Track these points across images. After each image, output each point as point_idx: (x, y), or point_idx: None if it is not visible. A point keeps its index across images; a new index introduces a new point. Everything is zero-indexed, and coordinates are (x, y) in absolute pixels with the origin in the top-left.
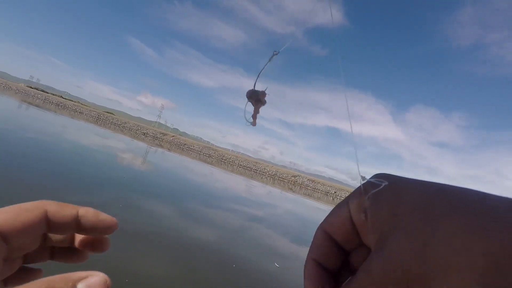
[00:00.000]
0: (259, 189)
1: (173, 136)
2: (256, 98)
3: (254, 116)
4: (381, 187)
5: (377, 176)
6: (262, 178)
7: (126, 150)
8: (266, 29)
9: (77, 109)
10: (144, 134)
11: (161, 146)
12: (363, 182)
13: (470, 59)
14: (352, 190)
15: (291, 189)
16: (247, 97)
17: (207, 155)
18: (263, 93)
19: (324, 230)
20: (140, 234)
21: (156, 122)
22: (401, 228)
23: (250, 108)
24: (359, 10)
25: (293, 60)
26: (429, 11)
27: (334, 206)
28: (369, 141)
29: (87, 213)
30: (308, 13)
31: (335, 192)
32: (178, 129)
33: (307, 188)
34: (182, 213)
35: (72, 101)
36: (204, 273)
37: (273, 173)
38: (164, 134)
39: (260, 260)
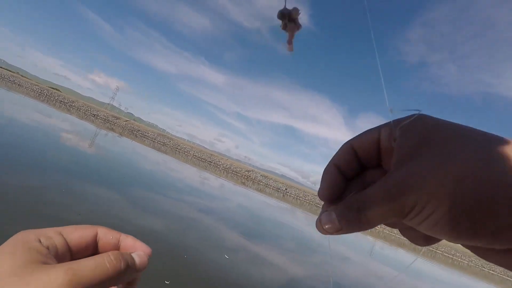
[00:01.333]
0: (212, 181)
1: (126, 120)
2: (290, 17)
3: (290, 41)
4: (411, 119)
5: (409, 116)
6: (216, 170)
7: (72, 131)
8: (233, 21)
9: (15, 81)
10: (94, 115)
11: (112, 130)
12: (392, 115)
13: (415, 75)
14: (302, 188)
15: (243, 183)
16: (278, 18)
17: (161, 143)
18: (296, 10)
19: (351, 145)
20: (81, 222)
21: (108, 104)
22: (420, 154)
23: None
24: (324, 15)
25: (257, 55)
26: (384, 25)
27: (284, 202)
28: (322, 142)
29: (127, 239)
30: (276, 10)
31: (285, 189)
32: (132, 114)
33: (260, 184)
34: (130, 201)
35: (9, 71)
36: (152, 263)
37: (227, 166)
38: (117, 118)
39: (211, 252)
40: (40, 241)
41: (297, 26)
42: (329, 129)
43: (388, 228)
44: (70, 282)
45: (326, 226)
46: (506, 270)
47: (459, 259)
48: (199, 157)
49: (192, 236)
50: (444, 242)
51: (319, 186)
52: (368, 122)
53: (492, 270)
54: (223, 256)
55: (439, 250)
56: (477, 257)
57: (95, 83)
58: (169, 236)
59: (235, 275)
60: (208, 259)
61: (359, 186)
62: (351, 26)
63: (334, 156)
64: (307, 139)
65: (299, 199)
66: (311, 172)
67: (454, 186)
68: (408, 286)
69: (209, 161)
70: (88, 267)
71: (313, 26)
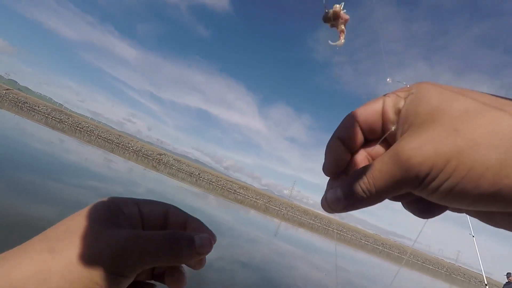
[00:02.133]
0: (121, 165)
1: (7, 89)
2: (334, 16)
3: (341, 34)
4: (414, 84)
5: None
6: (124, 153)
7: None
8: None
9: None
10: None
11: None
12: (390, 83)
13: (321, 72)
14: (215, 173)
15: (155, 167)
16: (324, 22)
17: (57, 119)
18: (338, 8)
19: (354, 116)
20: None
21: None
22: (432, 120)
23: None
24: (245, 3)
25: (174, 33)
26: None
27: (197, 187)
28: (235, 129)
29: (194, 221)
30: None
31: (199, 174)
32: (17, 82)
33: (172, 168)
34: (14, 186)
35: None
36: None
37: (138, 148)
38: None
39: None
40: (119, 207)
41: (344, 19)
42: (243, 116)
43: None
44: (130, 243)
45: (333, 204)
46: (377, 240)
47: (345, 234)
48: (105, 137)
49: None
50: (335, 220)
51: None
52: (280, 111)
53: (367, 242)
54: None
55: (330, 228)
56: (357, 231)
57: None
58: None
59: None
60: None
61: (363, 159)
62: (268, 17)
63: (337, 129)
64: (222, 124)
65: (212, 184)
66: (224, 157)
67: (472, 148)
68: (303, 259)
69: (117, 143)
70: (151, 236)
71: (234, 13)
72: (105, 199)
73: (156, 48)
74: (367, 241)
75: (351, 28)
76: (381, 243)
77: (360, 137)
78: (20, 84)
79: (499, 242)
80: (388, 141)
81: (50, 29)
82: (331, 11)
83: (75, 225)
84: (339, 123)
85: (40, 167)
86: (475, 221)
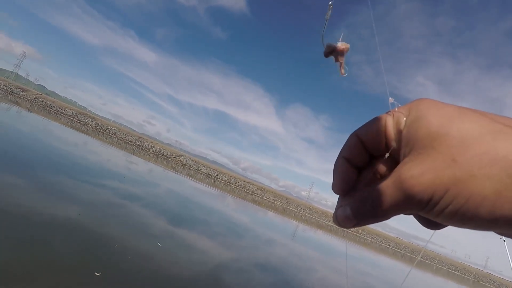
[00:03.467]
0: (141, 166)
1: (36, 94)
2: (335, 51)
3: (342, 65)
4: (412, 102)
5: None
6: (145, 154)
7: None
8: None
9: None
10: None
11: (17, 104)
12: (391, 103)
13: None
14: (233, 174)
15: (174, 168)
16: (325, 56)
17: (82, 122)
18: (342, 47)
19: (358, 136)
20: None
21: (12, 72)
22: (431, 148)
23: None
24: (262, 4)
25: (192, 36)
26: (316, 23)
27: (215, 188)
28: (253, 130)
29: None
30: None
31: (216, 175)
32: (44, 87)
33: (190, 169)
34: (52, 188)
35: None
36: (80, 255)
37: (157, 150)
38: (24, 90)
39: (142, 240)
40: None
41: (342, 50)
42: (260, 117)
43: (309, 212)
44: None
45: (343, 222)
46: (398, 244)
47: (365, 237)
48: (126, 139)
49: (122, 224)
50: None
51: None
52: (297, 112)
53: (388, 245)
54: (155, 244)
55: (350, 231)
56: (378, 234)
57: None
58: (97, 225)
59: (168, 263)
60: (140, 247)
61: (370, 176)
62: (288, 19)
63: (342, 149)
64: (239, 126)
65: (230, 185)
66: (241, 158)
67: (469, 179)
68: (320, 261)
69: (138, 144)
70: None
71: (250, 14)
72: None
73: (175, 51)
74: (388, 245)
75: (369, 26)
76: (403, 247)
77: (364, 155)
78: (48, 89)
79: None
80: (393, 157)
81: (75, 36)
82: (332, 45)
83: None
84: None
85: (65, 168)
86: None
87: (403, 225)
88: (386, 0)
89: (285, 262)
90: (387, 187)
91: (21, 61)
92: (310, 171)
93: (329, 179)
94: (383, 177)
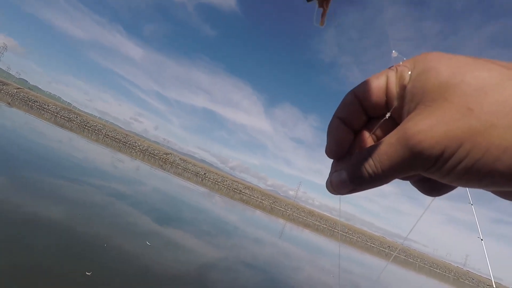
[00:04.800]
0: (127, 164)
1: (18, 88)
2: None
3: (323, 14)
4: (419, 55)
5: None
6: (131, 152)
7: None
8: None
9: None
10: None
11: None
12: (395, 57)
13: (327, 73)
14: (221, 173)
15: (161, 166)
16: (307, 1)
17: (66, 118)
18: None
19: (355, 94)
20: None
21: None
22: (443, 98)
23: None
24: (252, 3)
25: (180, 32)
26: (306, 24)
27: (202, 186)
28: (241, 129)
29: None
30: None
31: (204, 174)
32: (27, 81)
33: (178, 167)
34: (22, 184)
35: None
36: (69, 255)
37: (145, 148)
38: (5, 84)
39: (131, 239)
40: None
41: None
42: (249, 116)
43: (296, 211)
44: None
45: (338, 187)
46: (383, 242)
47: (351, 236)
48: (112, 136)
49: (110, 223)
50: (340, 222)
51: (327, 142)
52: (285, 111)
53: (373, 244)
54: (144, 243)
55: (336, 230)
56: (363, 233)
57: None
58: (85, 224)
59: (158, 262)
60: (129, 246)
61: (368, 139)
62: (278, 19)
63: (337, 108)
64: (227, 124)
65: (218, 184)
66: (230, 157)
67: (488, 130)
68: (310, 261)
69: (124, 142)
70: None
71: (240, 12)
72: None
73: (163, 48)
74: (373, 244)
75: (358, 30)
76: (387, 246)
77: (362, 116)
78: (30, 83)
79: (509, 246)
80: (394, 118)
81: (60, 29)
82: None
83: None
84: None
85: (48, 165)
86: (484, 224)
87: (388, 224)
88: (374, 4)
89: (272, 261)
90: (390, 145)
91: (2, 53)
92: (298, 170)
93: (317, 179)
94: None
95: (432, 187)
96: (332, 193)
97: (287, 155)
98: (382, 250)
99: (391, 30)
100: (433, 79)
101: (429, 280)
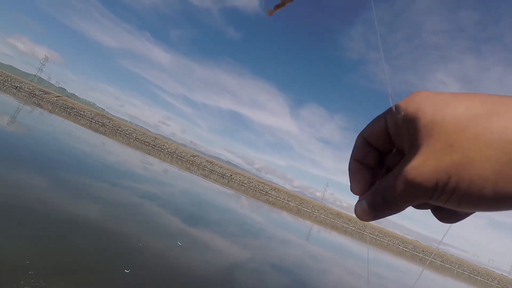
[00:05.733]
0: (156, 166)
1: (58, 96)
2: None
3: (276, 7)
4: (407, 96)
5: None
6: (160, 155)
7: None
8: None
9: None
10: (16, 88)
11: (39, 106)
12: (392, 99)
13: (355, 71)
14: (247, 174)
15: (188, 168)
16: None
17: (100, 123)
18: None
19: (363, 137)
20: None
21: (35, 76)
22: (429, 136)
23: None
24: (275, 2)
25: (206, 36)
26: (332, 21)
27: (229, 188)
28: (267, 130)
29: None
30: None
31: (230, 175)
32: (65, 89)
33: (205, 169)
34: (67, 186)
35: None
36: (108, 253)
37: (172, 150)
38: (46, 93)
39: (164, 239)
40: None
41: (290, 2)
42: (275, 117)
43: (323, 213)
44: None
45: (361, 215)
46: (416, 246)
47: (381, 239)
48: (142, 140)
49: (143, 224)
50: (370, 224)
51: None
52: (311, 112)
53: (405, 248)
54: (176, 243)
55: (366, 232)
56: (395, 236)
57: (16, 50)
58: (121, 225)
59: (189, 261)
60: (162, 246)
61: (383, 172)
62: (302, 18)
63: (352, 151)
64: (253, 126)
65: (244, 185)
66: (256, 159)
67: (468, 163)
68: (340, 263)
69: (153, 145)
70: None
71: (264, 13)
72: None
73: (189, 52)
74: (406, 248)
75: (386, 23)
76: (421, 250)
77: (373, 154)
78: (68, 91)
79: None
80: (401, 151)
81: (93, 39)
82: None
83: None
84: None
85: (85, 168)
86: None
87: (421, 227)
88: None
89: (299, 262)
90: (393, 179)
91: (44, 64)
92: (325, 171)
93: (344, 179)
94: None
95: (446, 215)
96: (360, 220)
97: (314, 155)
98: (416, 254)
99: (425, 23)
100: (421, 120)
101: (468, 287)
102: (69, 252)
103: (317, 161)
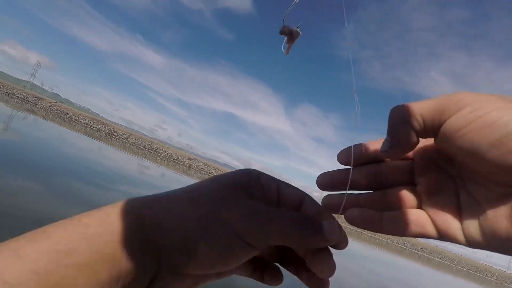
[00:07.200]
0: (153, 170)
1: (51, 102)
2: (289, 33)
3: (289, 47)
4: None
5: None
6: (156, 158)
7: None
8: None
9: None
10: (8, 94)
11: (33, 112)
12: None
13: (347, 69)
14: None
15: (185, 172)
16: (280, 33)
17: (95, 128)
18: (296, 33)
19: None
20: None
21: (27, 82)
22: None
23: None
24: (266, 2)
25: (198, 38)
26: (325, 19)
27: None
28: (262, 131)
29: (327, 216)
30: None
31: None
32: (59, 95)
33: (202, 172)
34: (55, 191)
35: None
36: None
37: (169, 154)
38: (39, 99)
39: None
40: (259, 179)
41: (297, 37)
42: (269, 117)
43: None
44: (260, 215)
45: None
46: (415, 244)
47: (380, 238)
48: (138, 144)
49: None
50: None
51: None
52: (306, 111)
53: (404, 246)
54: None
55: (364, 231)
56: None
57: (7, 55)
58: None
59: None
60: None
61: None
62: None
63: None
64: (248, 127)
65: None
66: (252, 160)
67: None
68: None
69: (149, 149)
70: (282, 213)
71: (256, 13)
72: (248, 170)
73: (181, 54)
74: (405, 246)
75: (377, 21)
76: (420, 248)
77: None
78: (62, 96)
79: None
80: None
81: (85, 42)
82: (286, 27)
83: (214, 188)
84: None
85: (80, 173)
86: None
87: None
88: None
89: None
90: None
91: (36, 70)
92: (320, 170)
93: None
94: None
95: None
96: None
97: (309, 155)
98: (415, 252)
99: (413, 20)
100: (501, 128)
101: (470, 284)
102: None
103: (312, 160)
